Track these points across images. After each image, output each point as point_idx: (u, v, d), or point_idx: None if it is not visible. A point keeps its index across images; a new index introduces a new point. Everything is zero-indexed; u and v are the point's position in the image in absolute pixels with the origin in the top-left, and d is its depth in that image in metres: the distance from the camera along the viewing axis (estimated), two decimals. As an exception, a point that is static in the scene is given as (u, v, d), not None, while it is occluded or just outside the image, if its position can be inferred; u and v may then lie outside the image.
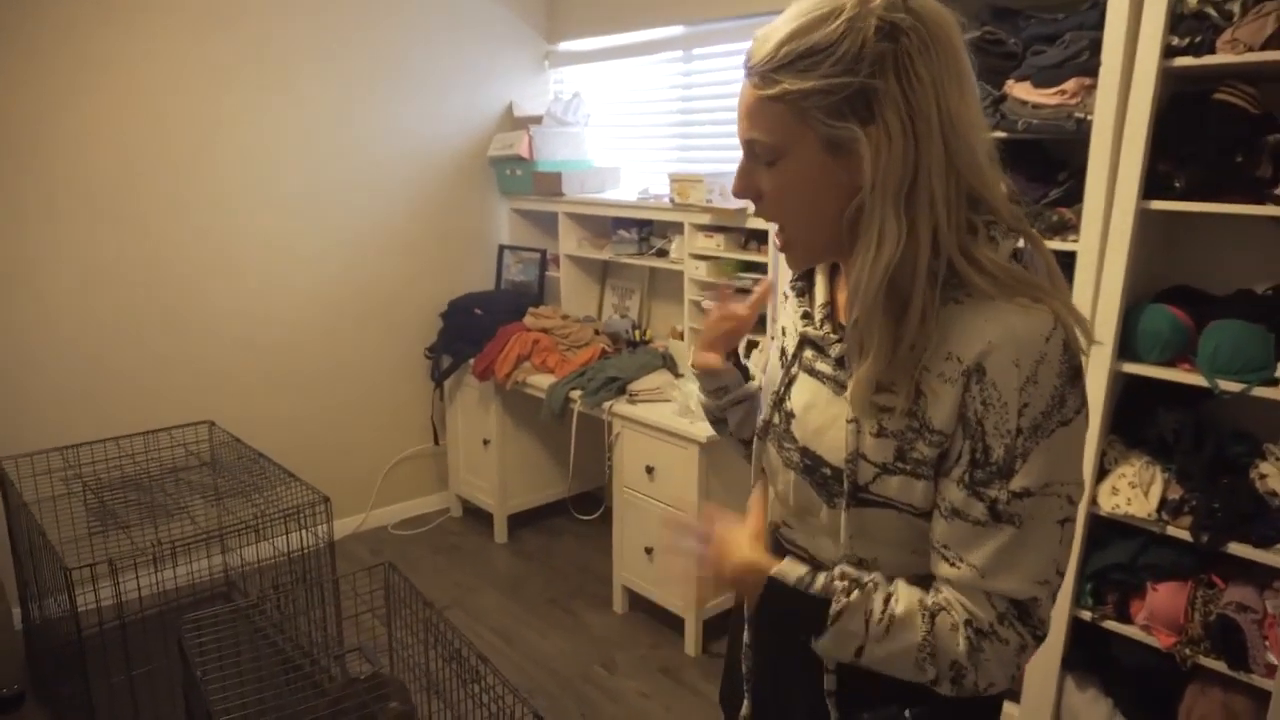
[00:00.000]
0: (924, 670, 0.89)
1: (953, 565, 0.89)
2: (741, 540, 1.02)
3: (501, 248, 3.94)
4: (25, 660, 2.69)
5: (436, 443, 3.88)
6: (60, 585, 2.07)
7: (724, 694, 1.25)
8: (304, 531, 2.39)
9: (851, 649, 0.91)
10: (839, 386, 0.95)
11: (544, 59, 3.96)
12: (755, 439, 1.08)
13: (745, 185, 0.95)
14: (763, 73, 0.86)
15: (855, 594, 0.90)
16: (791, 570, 0.94)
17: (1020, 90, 2.06)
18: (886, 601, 0.90)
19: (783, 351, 1.08)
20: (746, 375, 1.27)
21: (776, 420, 1.05)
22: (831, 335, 0.98)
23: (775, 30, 0.86)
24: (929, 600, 0.90)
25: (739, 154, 0.95)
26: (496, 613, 3.12)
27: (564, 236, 3.63)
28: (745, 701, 1.15)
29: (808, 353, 1.02)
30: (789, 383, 1.04)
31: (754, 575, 0.97)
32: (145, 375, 3.12)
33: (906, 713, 0.96)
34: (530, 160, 3.63)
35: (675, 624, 2.92)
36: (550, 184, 3.58)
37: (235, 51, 3.14)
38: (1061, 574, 0.88)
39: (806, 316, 1.03)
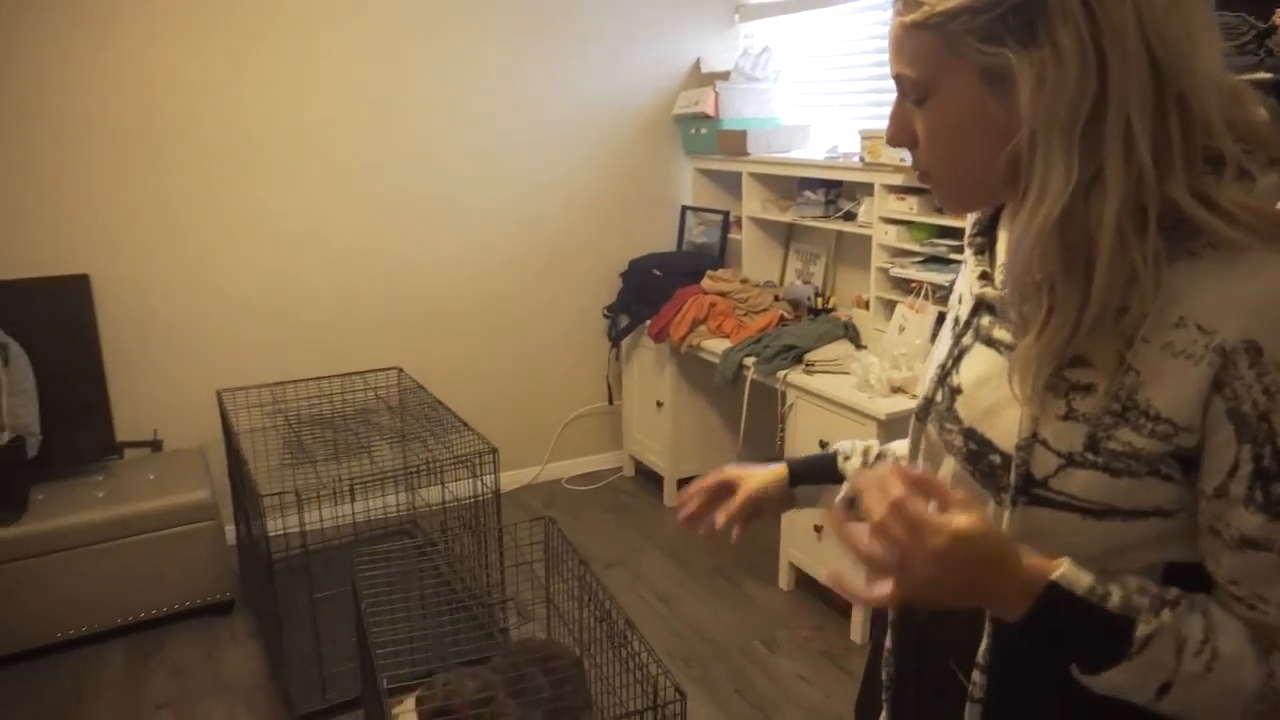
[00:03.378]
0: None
1: (1253, 608, 0.70)
2: (976, 522, 0.71)
3: (684, 208, 3.87)
4: (238, 572, 2.97)
5: (611, 402, 3.91)
6: (258, 509, 2.25)
7: (859, 705, 1.13)
8: (474, 480, 2.46)
9: (1153, 687, 0.71)
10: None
11: (734, 12, 3.82)
12: (913, 420, 0.94)
13: (897, 130, 0.82)
14: None
15: (1166, 613, 0.70)
16: (1078, 576, 0.72)
17: (1291, 22, 1.72)
18: (1207, 630, 0.70)
19: (955, 320, 0.93)
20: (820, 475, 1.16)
21: (939, 398, 0.90)
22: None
23: None
24: (1252, 634, 0.70)
25: None
26: (660, 576, 3.10)
27: (747, 197, 3.50)
28: (884, 714, 1.02)
29: (985, 319, 0.86)
30: (959, 355, 0.89)
31: (1015, 576, 0.72)
32: (344, 323, 3.33)
33: None
34: (716, 118, 3.53)
35: (843, 608, 2.78)
36: (735, 143, 3.46)
37: (422, 8, 3.24)
38: None
39: (985, 277, 0.87)
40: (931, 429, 0.92)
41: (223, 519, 2.81)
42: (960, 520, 0.70)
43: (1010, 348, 0.81)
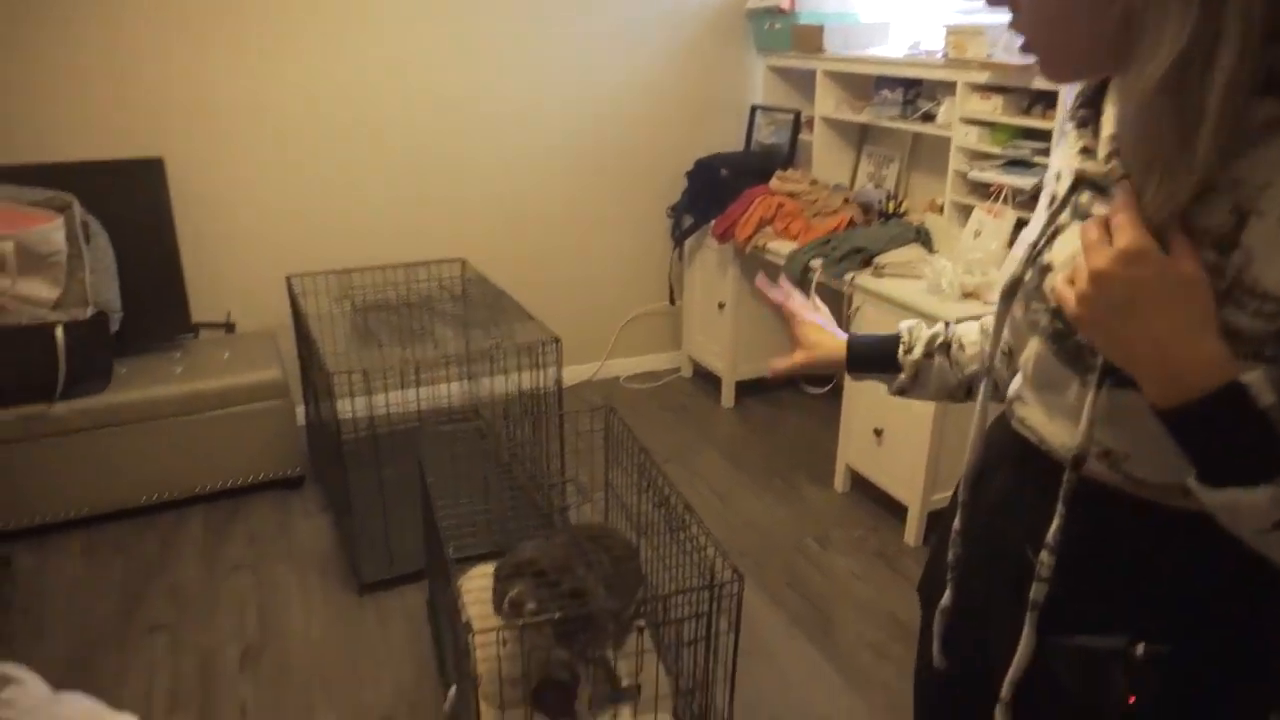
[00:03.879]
0: None
1: None
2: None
3: (754, 108, 3.76)
4: (306, 450, 3.09)
5: (672, 302, 3.90)
6: (327, 388, 2.31)
7: (924, 583, 1.13)
8: (536, 370, 2.49)
9: (1274, 518, 0.67)
10: None
11: (819, -103, 3.62)
12: (999, 301, 0.90)
13: None
14: None
15: None
16: (1264, 389, 0.66)
17: None
18: None
19: (1052, 199, 0.88)
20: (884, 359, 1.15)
21: (1028, 276, 0.86)
22: (1119, 170, 0.77)
23: None
24: None
25: None
26: (715, 473, 3.14)
27: (821, 97, 3.38)
28: (947, 592, 1.02)
29: (1084, 196, 0.82)
30: (1054, 233, 0.84)
31: (1202, 343, 0.66)
32: (410, 214, 3.34)
33: (1140, 647, 0.76)
34: (791, 12, 3.38)
35: (897, 511, 2.79)
36: (811, 39, 3.32)
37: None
38: None
39: (1087, 152, 0.82)
40: (1017, 309, 0.88)
41: (293, 399, 2.90)
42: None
43: None
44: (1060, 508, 0.80)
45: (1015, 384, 0.93)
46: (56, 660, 2.15)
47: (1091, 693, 0.79)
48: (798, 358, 1.16)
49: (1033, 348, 0.87)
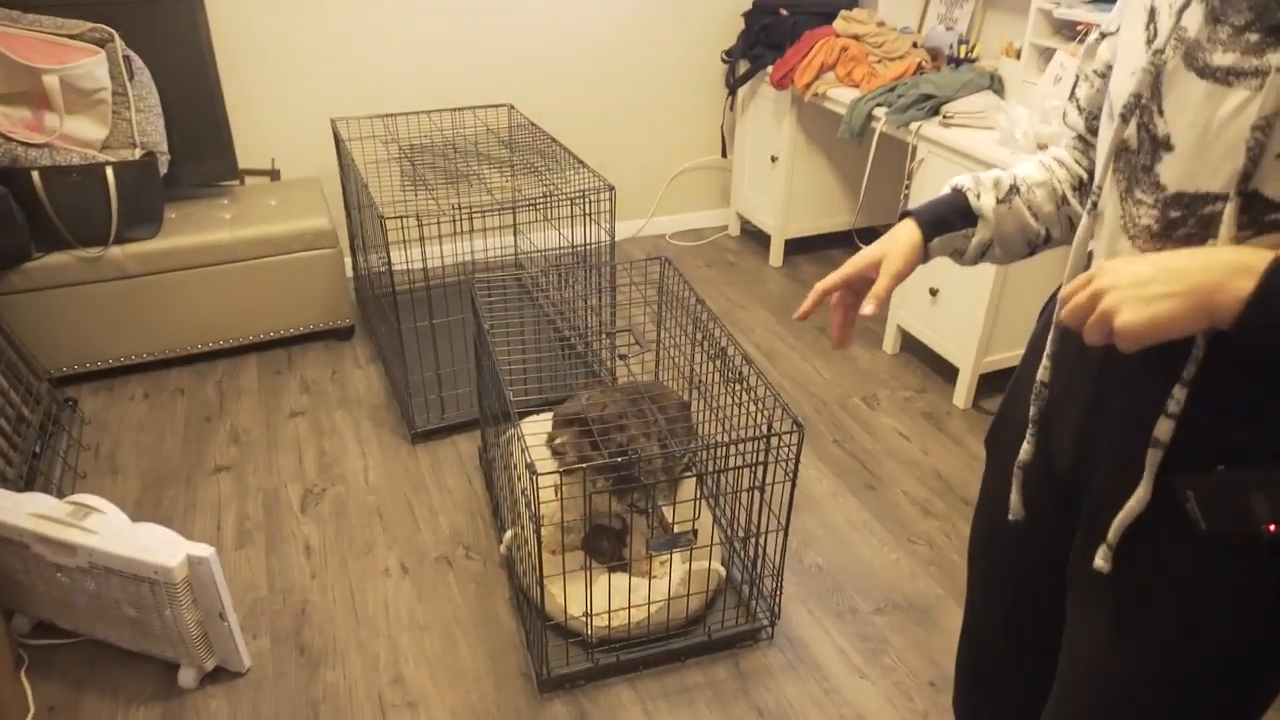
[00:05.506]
0: None
1: None
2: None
3: (819, -60, 3.48)
4: (355, 301, 3.10)
5: (724, 155, 3.75)
6: (380, 239, 2.28)
7: (995, 434, 1.08)
8: (588, 219, 2.43)
9: None
10: (1257, 81, 0.66)
11: None
12: (1116, 120, 0.79)
13: None
14: None
15: None
16: None
17: None
18: None
19: (1152, 14, 0.77)
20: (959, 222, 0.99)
21: (1134, 144, 0.78)
22: None
23: None
24: None
25: None
26: (762, 331, 3.10)
27: (894, -74, 3.11)
28: (1026, 445, 0.98)
29: (1203, 33, 0.70)
30: (1159, 82, 0.74)
31: (1228, 254, 0.67)
32: (457, 56, 3.19)
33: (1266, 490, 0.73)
34: None
35: (948, 373, 2.74)
36: None
37: None
38: None
39: None
40: (1114, 185, 0.80)
41: (341, 249, 2.88)
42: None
43: (1241, 74, 0.68)
44: (1201, 339, 0.74)
45: (1112, 239, 0.85)
46: (129, 496, 2.24)
47: (1227, 524, 0.76)
48: (885, 281, 0.99)
49: (1120, 245, 0.80)
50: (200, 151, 2.85)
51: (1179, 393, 0.77)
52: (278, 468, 2.35)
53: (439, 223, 2.26)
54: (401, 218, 2.19)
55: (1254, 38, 0.67)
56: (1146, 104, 0.76)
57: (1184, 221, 0.74)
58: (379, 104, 3.02)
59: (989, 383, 2.67)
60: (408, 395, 2.49)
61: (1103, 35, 0.90)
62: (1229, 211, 0.70)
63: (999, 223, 0.99)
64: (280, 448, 2.43)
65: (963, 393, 2.68)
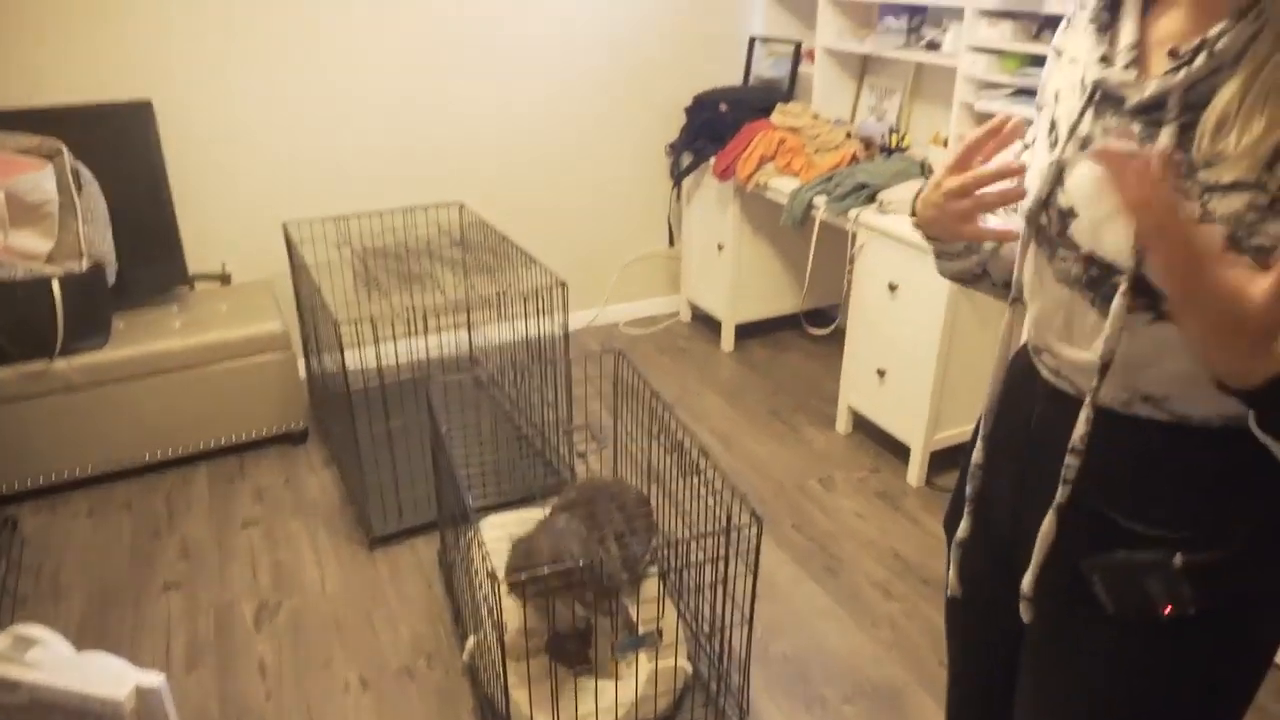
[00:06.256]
0: None
1: None
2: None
3: (752, 39, 3.66)
4: (308, 403, 3.07)
5: (671, 244, 3.85)
6: (334, 337, 2.28)
7: (948, 518, 1.14)
8: (541, 315, 2.46)
9: None
10: None
11: None
12: (1024, 225, 0.88)
13: None
14: None
15: None
16: None
17: None
18: None
19: (1053, 125, 0.85)
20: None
21: (1045, 222, 0.85)
22: (1154, 81, 0.74)
23: None
24: None
25: None
26: (717, 417, 3.14)
27: (822, 26, 3.29)
28: (964, 522, 1.03)
29: (1096, 126, 0.80)
30: (1063, 167, 0.82)
31: (1254, 352, 0.65)
32: (406, 157, 3.26)
33: (1177, 558, 0.78)
34: (793, -64, 3.26)
35: (901, 451, 2.80)
36: (813, -36, 3.21)
37: None
38: None
39: (1104, 61, 0.80)
40: (1040, 257, 0.87)
41: (294, 351, 2.87)
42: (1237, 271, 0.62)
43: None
44: (1087, 412, 0.81)
45: (1036, 330, 0.92)
46: (72, 621, 2.15)
47: (1129, 605, 0.82)
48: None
49: (1058, 294, 0.85)
50: (150, 259, 2.85)
51: (1072, 460, 0.83)
52: (230, 582, 2.29)
53: (394, 324, 2.27)
54: (356, 322, 2.20)
55: (1137, 128, 0.76)
56: (1052, 192, 0.83)
57: (1104, 281, 0.79)
58: (331, 205, 3.05)
59: (942, 459, 2.73)
60: (364, 499, 2.46)
61: (1025, 148, 0.98)
62: (1123, 288, 0.76)
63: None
64: (232, 560, 2.37)
65: (915, 471, 2.73)
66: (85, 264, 2.56)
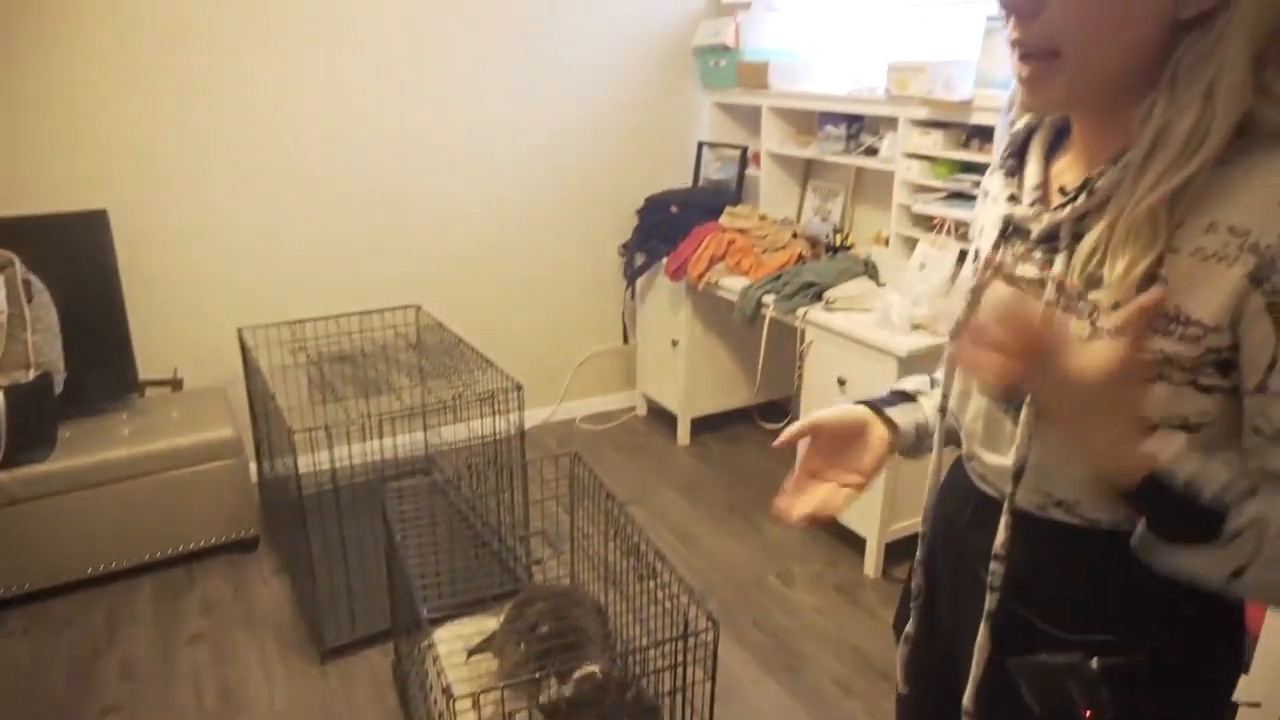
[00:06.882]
0: None
1: None
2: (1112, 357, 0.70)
3: (701, 144, 3.82)
4: (260, 509, 3.01)
5: (626, 341, 3.91)
6: (287, 445, 2.26)
7: (897, 616, 1.17)
8: (497, 416, 2.47)
9: (1228, 571, 0.72)
10: (1040, 288, 0.82)
11: (756, -60, 3.71)
12: (949, 343, 0.95)
13: None
14: None
15: (1252, 504, 0.70)
16: (1180, 465, 0.71)
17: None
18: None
19: (976, 255, 0.94)
20: (898, 400, 1.05)
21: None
22: (1047, 215, 0.82)
23: None
24: None
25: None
26: (675, 513, 3.14)
27: (767, 132, 3.45)
28: (910, 621, 1.06)
29: (1007, 254, 0.88)
30: (980, 290, 0.90)
31: (1133, 456, 0.72)
32: (363, 260, 3.30)
33: (1094, 662, 0.81)
34: (736, 49, 3.45)
35: (856, 544, 2.82)
36: (756, 76, 3.39)
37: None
38: None
39: (1013, 199, 0.88)
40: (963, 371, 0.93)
41: (246, 456, 2.83)
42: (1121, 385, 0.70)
43: (1032, 282, 0.84)
44: (1006, 518, 0.86)
45: (965, 437, 0.97)
46: (3, 747, 2.05)
47: (1051, 708, 0.84)
48: (852, 483, 1.02)
49: (979, 406, 0.91)
50: (101, 366, 2.82)
51: (995, 566, 0.86)
52: (172, 703, 2.20)
53: (348, 432, 2.27)
54: (310, 430, 2.20)
55: (1039, 255, 0.84)
56: (972, 312, 0.90)
57: (1015, 391, 0.84)
58: (286, 310, 3.07)
59: (898, 550, 2.75)
60: (316, 609, 2.40)
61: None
62: (1029, 398, 0.82)
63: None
64: (176, 680, 2.28)
65: (872, 562, 2.75)
66: (32, 374, 2.52)
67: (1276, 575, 0.71)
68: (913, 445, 1.05)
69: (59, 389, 2.62)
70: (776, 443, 1.03)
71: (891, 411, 1.03)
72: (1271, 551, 0.69)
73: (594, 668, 1.63)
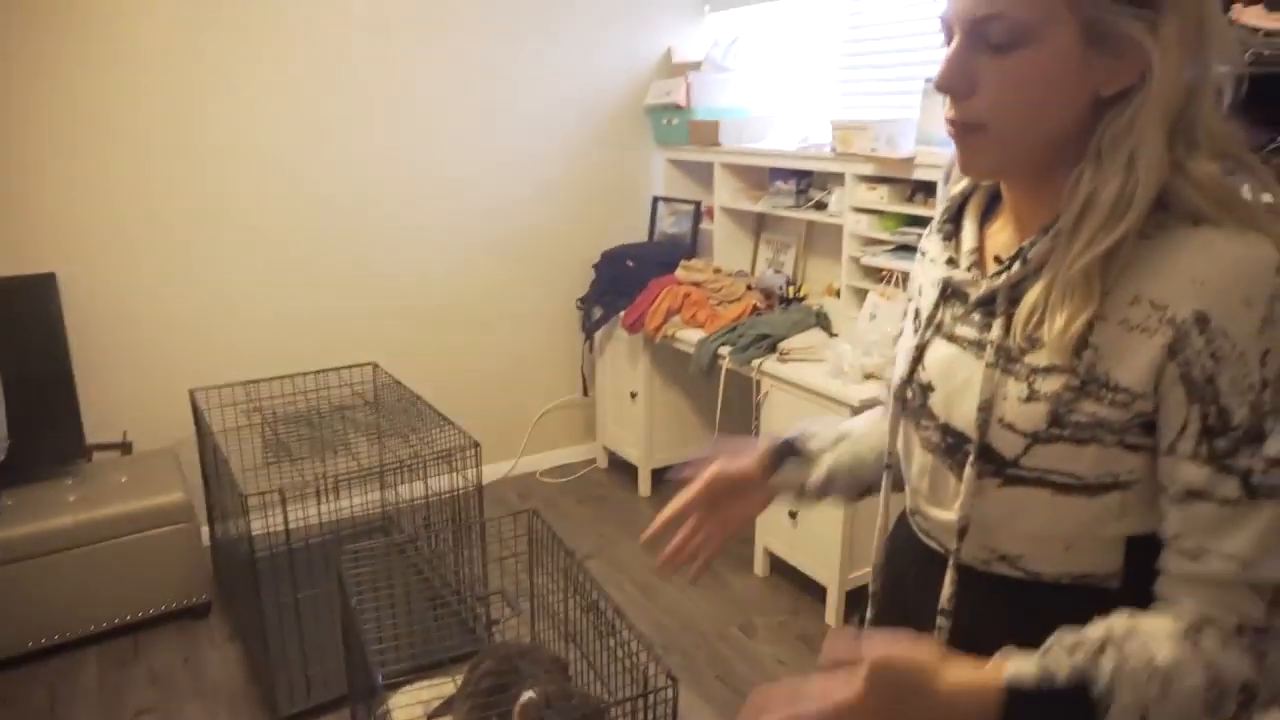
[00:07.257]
0: (1218, 710, 0.72)
1: (1196, 559, 0.75)
2: (921, 660, 0.73)
3: (655, 199, 3.89)
4: (213, 574, 2.94)
5: (585, 394, 3.92)
6: (239, 510, 2.23)
7: None
8: (455, 474, 2.46)
9: None
10: (979, 349, 0.85)
11: (704, 2, 3.83)
12: (892, 400, 0.97)
13: (958, 74, 0.78)
14: None
15: (1107, 662, 0.72)
16: (1023, 669, 0.73)
17: (1250, 15, 1.78)
18: (1143, 648, 0.72)
19: (916, 314, 0.97)
20: (790, 452, 1.13)
21: (910, 395, 0.95)
22: (985, 281, 0.86)
23: None
24: (1181, 624, 0.74)
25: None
26: (637, 565, 3.13)
27: (719, 188, 3.53)
28: None
29: (946, 314, 0.91)
30: (923, 348, 0.93)
31: (957, 699, 0.72)
32: (318, 319, 3.29)
33: None
34: (688, 108, 3.54)
35: (817, 591, 2.83)
36: (707, 133, 3.48)
37: (392, 5, 3.21)
38: None
39: (951, 262, 0.93)
40: (908, 426, 0.96)
41: (198, 520, 2.78)
42: (935, 678, 0.71)
43: (971, 343, 0.87)
44: (950, 573, 0.88)
45: (910, 493, 1.00)
46: (-65, 836, 1.96)
47: None
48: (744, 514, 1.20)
49: (924, 461, 0.94)
50: (46, 432, 2.76)
51: (943, 622, 0.89)
52: (118, 780, 2.13)
53: (302, 495, 2.24)
54: (264, 493, 2.17)
55: (977, 317, 0.88)
56: (915, 370, 0.94)
57: (958, 448, 0.87)
58: (239, 370, 3.03)
59: (858, 597, 2.77)
60: (270, 676, 2.34)
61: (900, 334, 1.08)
62: (971, 456, 0.84)
63: (834, 464, 1.12)
64: (122, 755, 2.21)
65: (833, 611, 2.76)
66: (-25, 442, 2.47)
67: (1171, 710, 0.71)
68: (807, 498, 1.14)
69: (2, 456, 2.56)
70: (684, 501, 1.19)
71: (789, 466, 1.12)
72: (1150, 693, 0.70)
73: (530, 693, 1.62)
